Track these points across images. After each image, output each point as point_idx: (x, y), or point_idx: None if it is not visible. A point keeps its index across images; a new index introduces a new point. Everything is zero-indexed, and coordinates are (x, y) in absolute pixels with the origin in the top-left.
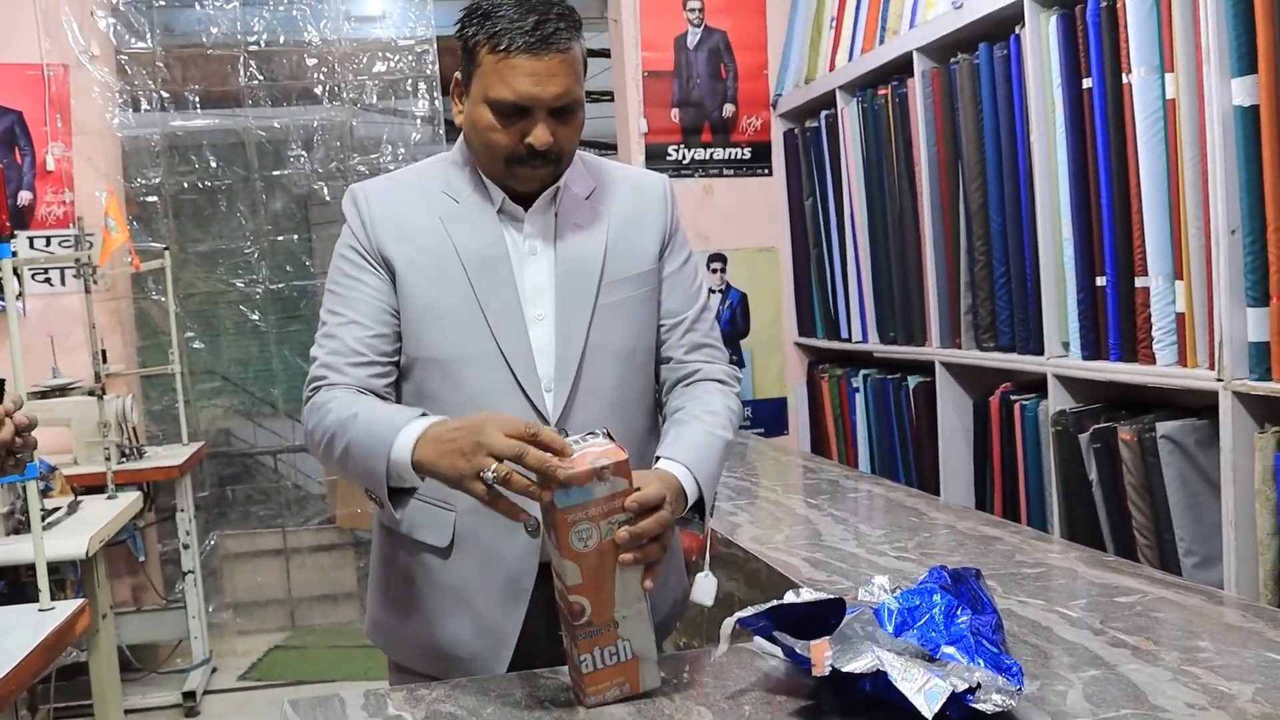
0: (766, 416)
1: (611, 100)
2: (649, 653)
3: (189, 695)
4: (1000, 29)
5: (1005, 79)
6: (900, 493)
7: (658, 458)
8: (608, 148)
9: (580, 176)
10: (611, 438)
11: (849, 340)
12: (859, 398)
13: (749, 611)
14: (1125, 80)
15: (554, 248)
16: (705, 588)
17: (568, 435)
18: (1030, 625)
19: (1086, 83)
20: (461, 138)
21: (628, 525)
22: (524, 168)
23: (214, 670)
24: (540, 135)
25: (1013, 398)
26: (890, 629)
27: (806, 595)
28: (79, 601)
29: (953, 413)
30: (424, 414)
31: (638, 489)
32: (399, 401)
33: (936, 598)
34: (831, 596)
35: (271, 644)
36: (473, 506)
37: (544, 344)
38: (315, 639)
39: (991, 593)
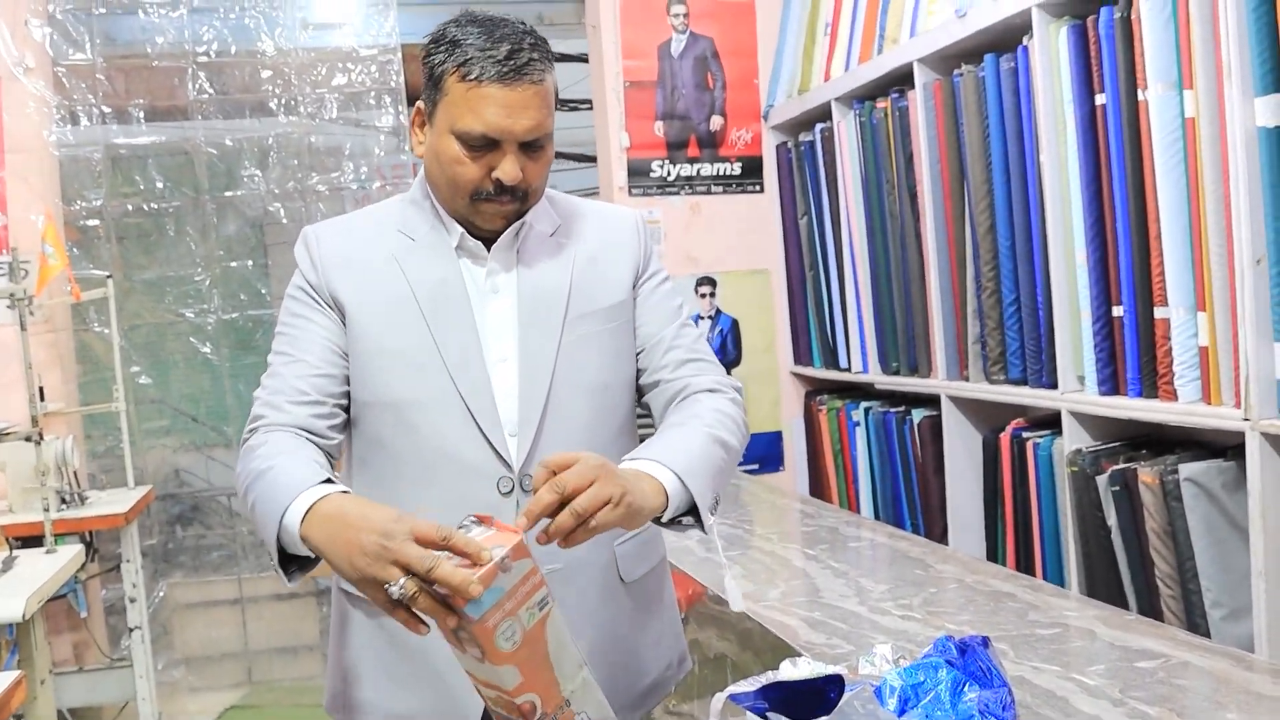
0: (760, 453)
1: (591, 108)
2: (606, 713)
3: None
4: (1007, 39)
5: (1013, 93)
6: (905, 541)
7: (625, 458)
8: (587, 159)
9: (545, 214)
10: (482, 521)
11: (848, 370)
12: (859, 432)
13: (741, 687)
14: (1141, 97)
15: (516, 285)
16: (732, 589)
17: (475, 523)
18: (1044, 695)
19: (1100, 99)
20: (421, 174)
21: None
22: (489, 204)
23: None
24: (509, 170)
25: (1025, 435)
26: (893, 708)
27: (804, 666)
28: (14, 675)
29: (960, 450)
30: (331, 480)
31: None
32: (352, 453)
33: (942, 673)
34: (830, 672)
35: (226, 704)
36: None
37: (508, 386)
38: (275, 697)
39: (1001, 661)
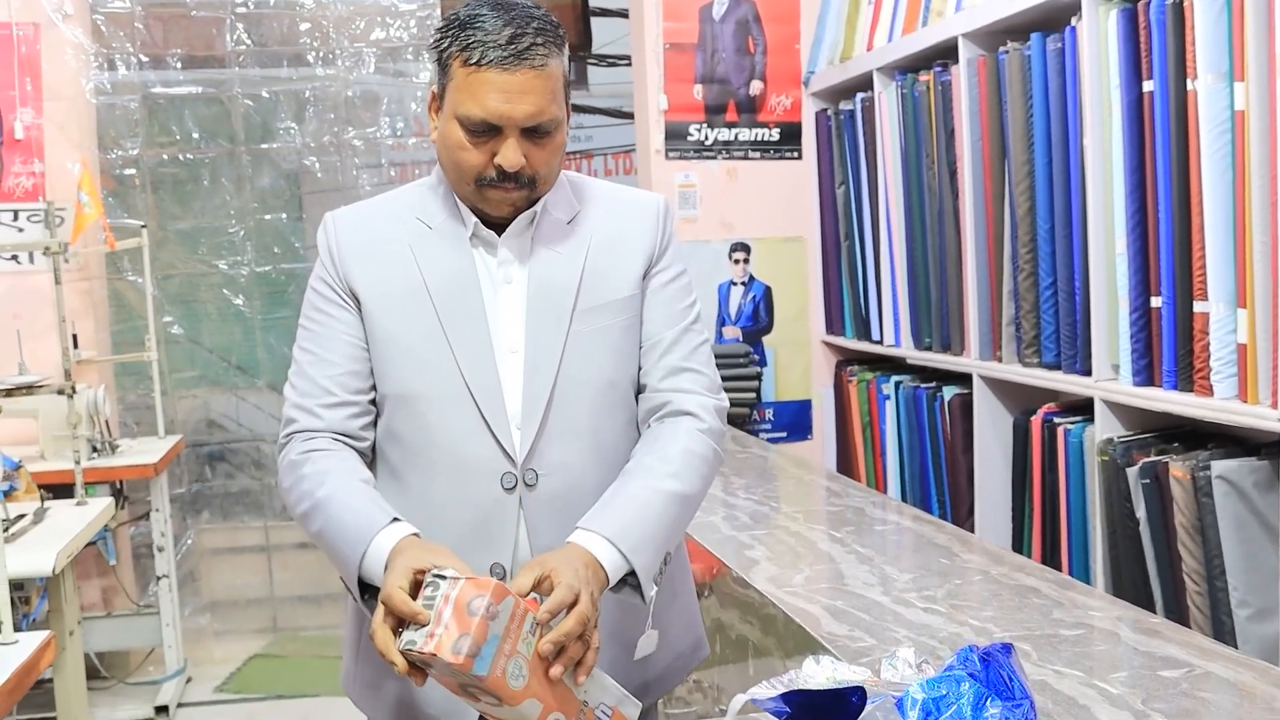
0: (789, 420)
1: (629, 64)
2: (618, 694)
3: (162, 709)
4: (1055, 19)
5: (1058, 73)
6: (931, 527)
7: (576, 528)
8: (624, 115)
9: (563, 200)
10: (443, 577)
11: (880, 343)
12: (889, 405)
13: (764, 690)
14: (1190, 86)
15: (527, 275)
16: (646, 641)
17: (440, 579)
18: (1066, 703)
19: (1148, 85)
20: (438, 157)
21: (545, 634)
22: (494, 190)
23: (189, 680)
24: (509, 156)
25: (1056, 420)
26: None
27: (827, 666)
28: (43, 635)
29: (990, 430)
30: (397, 519)
31: (539, 593)
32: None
33: (965, 686)
34: (853, 679)
35: (251, 652)
36: None
37: (515, 379)
38: (298, 647)
39: (1023, 668)
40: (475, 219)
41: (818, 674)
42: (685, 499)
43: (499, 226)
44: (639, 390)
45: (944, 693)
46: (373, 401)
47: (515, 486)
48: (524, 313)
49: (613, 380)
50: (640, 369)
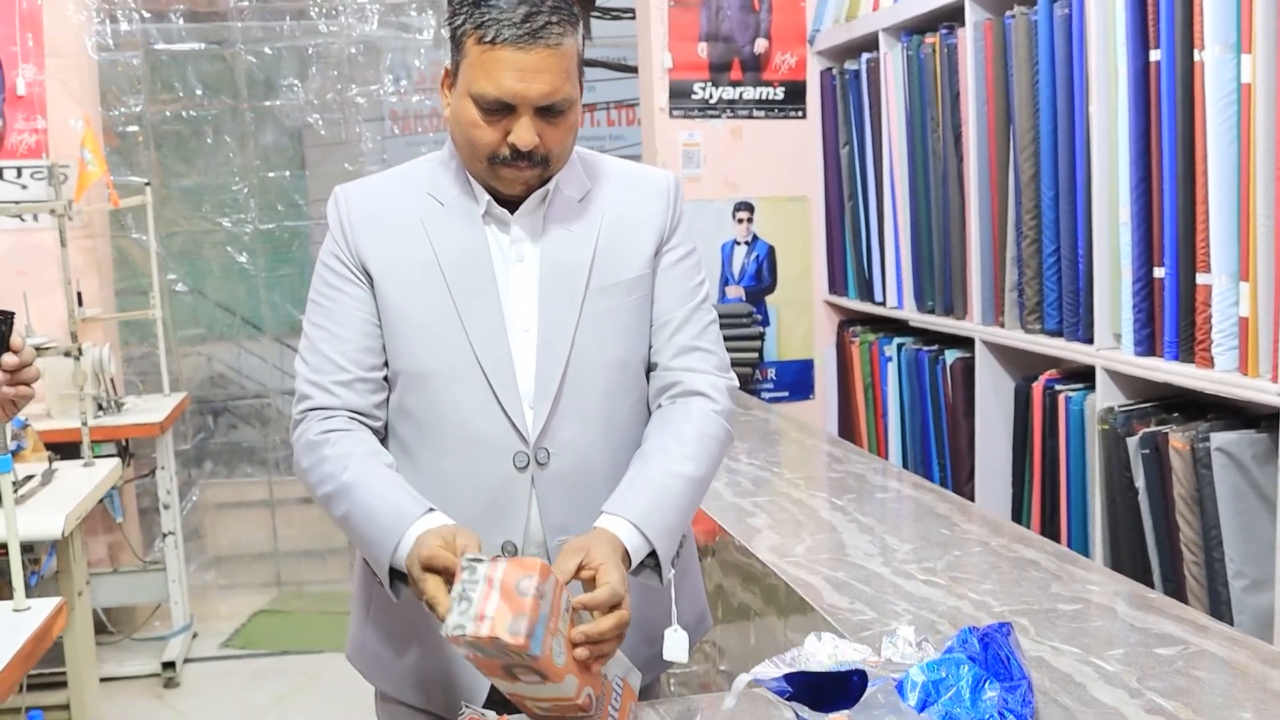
0: (790, 380)
1: (633, 18)
2: (626, 665)
3: (168, 665)
4: None
5: (1065, 40)
6: (932, 495)
7: (602, 512)
8: (627, 69)
9: (575, 178)
10: (479, 560)
11: (883, 304)
12: (891, 367)
13: (767, 670)
14: (1198, 57)
15: (540, 254)
16: (676, 643)
17: (476, 561)
18: (1063, 680)
19: (1155, 54)
20: (450, 134)
21: (583, 630)
22: (507, 168)
23: (194, 635)
24: (523, 135)
25: (1057, 387)
26: (914, 702)
27: (829, 643)
28: (55, 602)
29: (992, 395)
30: (431, 509)
31: (586, 579)
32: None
33: (964, 669)
34: (854, 661)
35: (256, 607)
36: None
37: (528, 357)
38: (303, 604)
39: (1021, 648)
40: (488, 196)
41: (819, 651)
42: (700, 482)
43: (510, 204)
44: (649, 369)
45: (944, 675)
46: (386, 378)
47: (528, 465)
48: (537, 291)
49: (623, 359)
50: (650, 348)
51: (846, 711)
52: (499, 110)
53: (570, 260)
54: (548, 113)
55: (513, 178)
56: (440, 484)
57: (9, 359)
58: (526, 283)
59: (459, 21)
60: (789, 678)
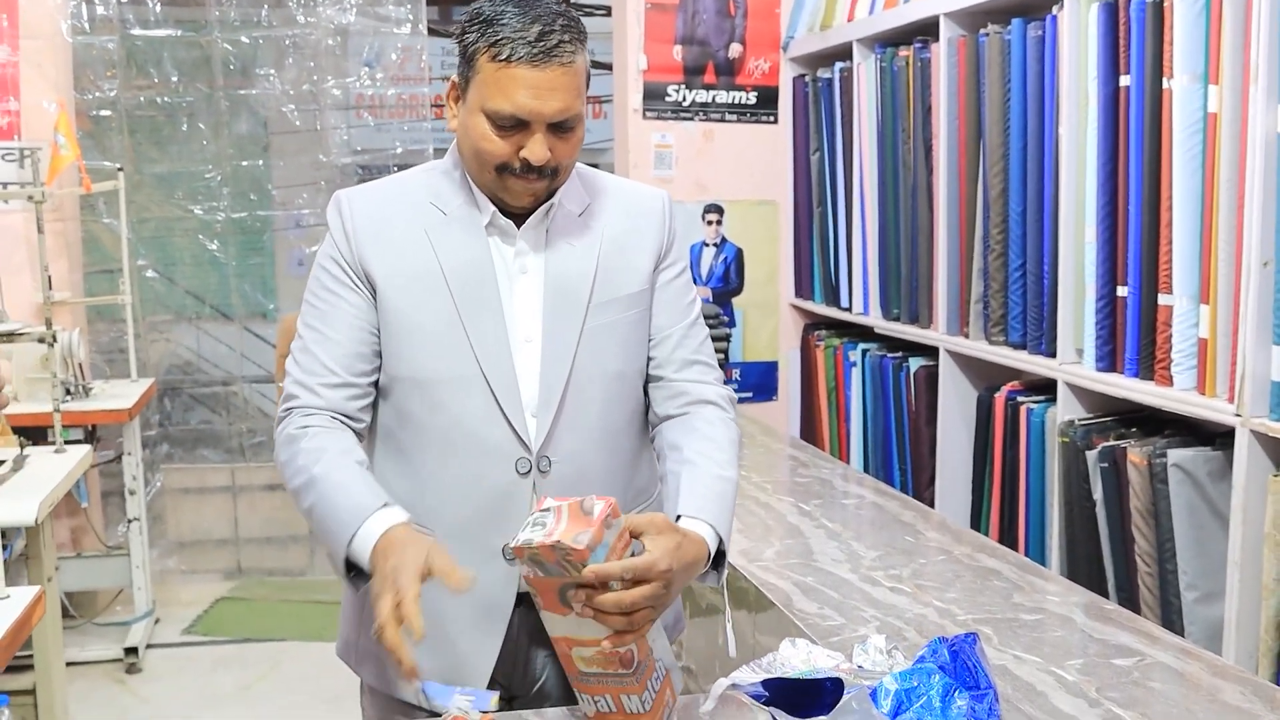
0: (755, 381)
1: (608, 14)
2: (673, 663)
3: (131, 650)
4: (1037, 5)
5: (1037, 61)
6: (895, 502)
7: (678, 516)
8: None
9: (575, 193)
10: (548, 508)
11: (849, 310)
12: (855, 373)
13: (744, 677)
14: (1166, 85)
15: (544, 266)
16: (731, 638)
17: (546, 505)
18: (1025, 689)
19: (1124, 80)
20: (454, 146)
21: (619, 590)
22: (516, 180)
23: (156, 621)
24: (536, 151)
25: (1019, 399)
26: (888, 709)
27: (802, 648)
28: (34, 591)
29: (955, 404)
30: (387, 504)
31: (635, 551)
32: (376, 422)
33: (935, 678)
34: (828, 669)
35: (217, 594)
36: (449, 531)
37: (530, 368)
38: (265, 591)
39: (987, 659)
40: (494, 207)
41: (793, 656)
42: (736, 485)
43: (514, 216)
44: (653, 381)
45: (915, 684)
46: (374, 384)
47: (530, 472)
48: (541, 303)
49: (621, 372)
50: (650, 361)
51: (823, 718)
52: (513, 126)
53: (574, 274)
54: (559, 128)
55: (521, 189)
56: (439, 487)
57: None
58: (530, 294)
59: (471, 38)
60: (766, 683)
